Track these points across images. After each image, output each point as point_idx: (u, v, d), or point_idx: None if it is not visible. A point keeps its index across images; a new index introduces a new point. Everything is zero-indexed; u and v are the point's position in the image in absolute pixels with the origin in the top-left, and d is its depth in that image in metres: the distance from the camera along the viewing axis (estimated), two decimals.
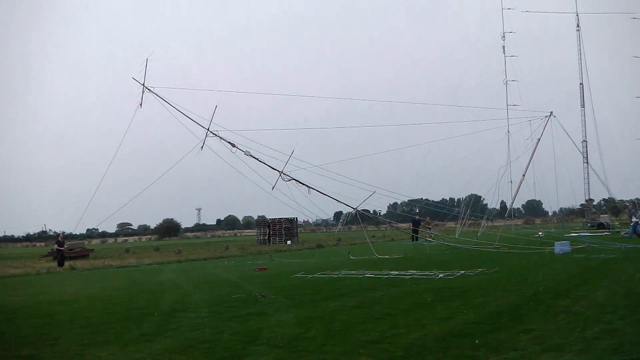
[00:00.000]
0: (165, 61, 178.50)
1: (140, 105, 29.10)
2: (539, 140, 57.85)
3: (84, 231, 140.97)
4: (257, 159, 29.41)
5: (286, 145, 29.44)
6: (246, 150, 29.23)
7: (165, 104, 28.93)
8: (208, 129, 28.92)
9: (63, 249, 42.14)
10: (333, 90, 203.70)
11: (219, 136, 29.15)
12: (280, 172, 29.29)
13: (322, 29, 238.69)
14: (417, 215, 58.96)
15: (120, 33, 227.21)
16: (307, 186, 29.64)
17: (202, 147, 29.13)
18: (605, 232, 53.18)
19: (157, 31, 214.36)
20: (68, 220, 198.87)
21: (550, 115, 58.83)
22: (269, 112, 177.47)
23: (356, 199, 31.88)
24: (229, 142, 29.31)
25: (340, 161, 32.95)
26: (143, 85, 28.70)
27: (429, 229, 51.06)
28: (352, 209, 32.94)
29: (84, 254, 52.22)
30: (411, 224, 53.69)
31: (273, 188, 29.23)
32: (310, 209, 30.65)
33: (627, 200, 66.68)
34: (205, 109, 29.39)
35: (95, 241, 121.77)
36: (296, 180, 29.52)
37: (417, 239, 49.52)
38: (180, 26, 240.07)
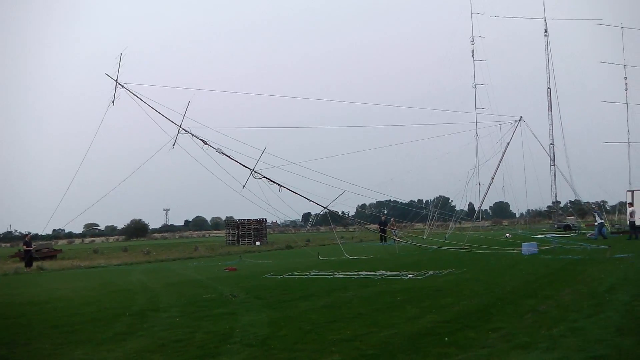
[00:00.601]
0: (143, 60, 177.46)
1: (113, 102, 28.69)
2: (508, 144, 58.54)
3: (50, 232, 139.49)
4: (229, 157, 29.22)
5: (260, 144, 29.27)
6: (218, 148, 29.02)
7: (138, 101, 28.54)
8: (180, 126, 28.70)
9: (31, 249, 41.75)
10: (309, 91, 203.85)
11: (190, 133, 28.93)
12: (252, 170, 29.19)
13: (301, 33, 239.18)
14: (384, 215, 59.17)
15: (96, 30, 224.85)
16: (278, 184, 29.60)
17: (173, 145, 28.91)
18: (572, 233, 53.86)
19: (134, 29, 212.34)
20: (32, 221, 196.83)
21: (520, 120, 59.53)
22: (246, 112, 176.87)
23: (326, 199, 31.92)
24: (200, 139, 29.12)
25: (311, 160, 32.67)
26: (116, 81, 28.29)
27: (394, 230, 51.22)
28: (323, 208, 32.89)
29: (51, 255, 51.81)
30: (378, 224, 53.86)
31: (244, 186, 29.11)
32: (280, 209, 30.26)
33: (593, 203, 67.51)
34: (182, 108, 29.11)
35: (62, 242, 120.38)
36: (267, 178, 29.46)
37: (385, 240, 49.74)
38: (161, 24, 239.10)
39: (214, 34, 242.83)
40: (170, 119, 28.87)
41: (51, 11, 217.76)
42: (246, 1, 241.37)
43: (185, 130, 28.82)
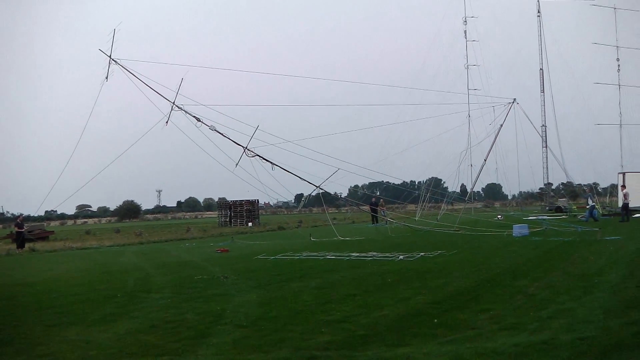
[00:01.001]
0: (137, 39, 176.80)
1: (107, 78, 28.45)
2: (501, 126, 58.51)
3: (42, 213, 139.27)
4: (222, 134, 29.13)
5: (254, 123, 29.13)
6: (211, 125, 28.91)
7: (131, 77, 28.35)
8: (174, 103, 28.54)
9: (23, 230, 41.68)
10: (304, 69, 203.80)
11: (184, 110, 28.79)
12: (245, 148, 29.10)
13: (296, 11, 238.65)
14: (375, 197, 59.21)
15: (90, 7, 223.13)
16: (271, 162, 29.56)
17: (167, 122, 28.76)
18: (563, 215, 54.05)
19: (128, 6, 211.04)
20: (24, 202, 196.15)
21: (513, 102, 59.53)
22: (240, 90, 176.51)
23: (320, 177, 31.90)
24: (194, 117, 28.98)
25: (303, 139, 32.75)
26: (109, 57, 28.08)
27: (382, 211, 51.28)
28: (315, 187, 32.84)
29: (44, 236, 51.73)
30: (369, 205, 53.87)
31: (237, 164, 29.05)
32: (273, 188, 30.20)
33: (584, 185, 67.76)
34: (176, 87, 28.87)
35: (54, 223, 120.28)
36: (260, 157, 29.40)
37: (377, 221, 49.82)
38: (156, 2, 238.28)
39: (207, 12, 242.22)
40: (164, 95, 28.70)
41: None
42: None
43: (178, 107, 28.70)
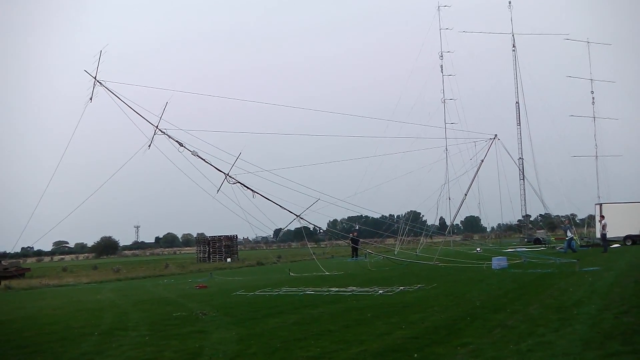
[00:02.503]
0: (124, 62, 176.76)
1: (90, 99, 28.12)
2: (482, 161, 59.03)
3: (18, 250, 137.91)
4: (204, 160, 28.94)
5: (236, 150, 28.98)
6: (193, 150, 28.72)
7: (115, 99, 28.03)
8: (157, 127, 28.34)
9: None
10: (283, 99, 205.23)
11: (167, 134, 28.60)
12: (226, 175, 28.94)
13: (275, 43, 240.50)
14: (354, 231, 59.24)
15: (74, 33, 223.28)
16: (252, 190, 29.38)
17: (149, 146, 28.52)
18: (542, 247, 54.30)
19: (114, 31, 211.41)
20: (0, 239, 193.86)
21: (494, 138, 60.05)
22: (223, 116, 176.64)
23: (299, 207, 31.74)
24: (177, 141, 28.79)
25: (282, 168, 32.49)
26: (94, 78, 27.76)
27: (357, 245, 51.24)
28: (295, 216, 32.58)
29: (19, 273, 51.24)
30: (350, 240, 53.80)
31: (218, 190, 28.85)
32: (254, 216, 29.83)
33: (562, 216, 68.21)
34: (160, 111, 28.66)
35: (30, 260, 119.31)
36: (241, 184, 29.24)
37: (357, 255, 49.72)
38: (144, 28, 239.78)
39: (195, 39, 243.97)
40: (147, 119, 28.43)
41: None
42: (227, 9, 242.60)
43: (161, 132, 28.48)
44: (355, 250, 50.98)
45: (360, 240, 53.15)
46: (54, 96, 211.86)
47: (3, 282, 40.17)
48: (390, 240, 63.60)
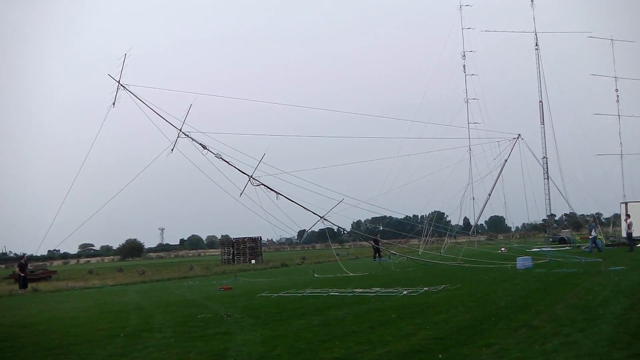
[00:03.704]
0: (146, 64, 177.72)
1: (113, 104, 28.16)
2: (505, 161, 58.77)
3: (45, 252, 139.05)
4: (227, 162, 28.91)
5: (260, 152, 28.95)
6: (217, 153, 28.66)
7: (139, 103, 28.01)
8: (180, 130, 28.37)
9: (23, 274, 41.25)
10: (306, 100, 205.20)
11: (190, 137, 28.61)
12: (250, 177, 28.94)
13: (297, 42, 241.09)
14: (377, 233, 59.03)
15: (95, 35, 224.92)
16: (275, 192, 29.35)
17: (172, 150, 28.57)
18: (567, 246, 53.91)
19: (136, 32, 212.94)
20: (27, 242, 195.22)
21: (518, 138, 59.76)
22: (247, 119, 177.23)
23: (323, 209, 31.68)
24: (200, 144, 28.82)
25: (306, 170, 32.46)
26: (118, 82, 27.76)
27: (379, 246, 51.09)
28: (319, 217, 32.49)
29: (46, 276, 51.68)
30: (372, 241, 53.68)
31: (242, 193, 28.85)
32: (278, 218, 29.70)
33: (587, 215, 67.75)
34: (183, 114, 28.69)
35: (57, 262, 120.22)
36: (265, 186, 29.22)
37: (380, 256, 49.63)
38: (165, 28, 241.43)
39: (215, 41, 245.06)
40: (171, 122, 28.48)
41: (50, 13, 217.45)
42: (250, 7, 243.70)
43: (185, 135, 28.51)
44: (377, 251, 50.93)
45: (380, 241, 53.01)
46: (78, 97, 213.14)
47: (30, 285, 40.45)
48: (414, 241, 63.47)
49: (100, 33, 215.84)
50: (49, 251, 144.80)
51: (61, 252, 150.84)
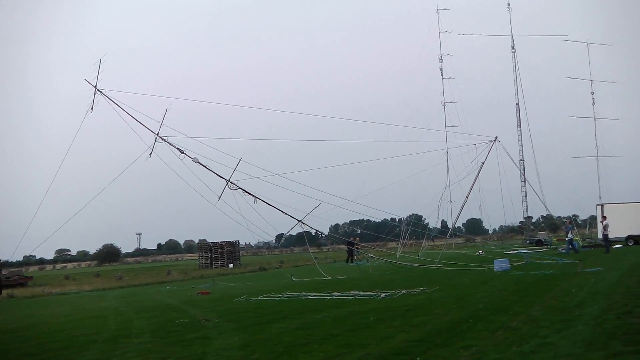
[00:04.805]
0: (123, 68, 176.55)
1: (91, 109, 27.97)
2: (483, 164, 58.99)
3: (20, 258, 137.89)
4: (205, 166, 28.77)
5: (238, 155, 28.73)
6: (194, 157, 28.55)
7: (116, 108, 27.82)
8: (157, 134, 28.17)
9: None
10: (281, 104, 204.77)
11: (167, 142, 28.40)
12: (227, 181, 28.79)
13: (270, 44, 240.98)
14: (351, 237, 59.01)
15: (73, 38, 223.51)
16: (253, 195, 29.20)
17: (150, 154, 28.34)
18: (544, 248, 54.29)
19: (114, 36, 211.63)
20: (1, 247, 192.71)
21: (495, 140, 60.09)
22: (226, 122, 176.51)
23: (301, 212, 31.60)
24: (177, 148, 28.62)
25: (284, 174, 32.31)
26: (95, 87, 27.58)
27: (357, 249, 51.11)
28: (297, 221, 32.37)
29: (22, 282, 51.28)
30: (346, 244, 53.56)
31: (220, 197, 28.70)
32: (255, 224, 29.48)
33: (564, 217, 68.30)
34: (168, 120, 28.46)
35: (33, 268, 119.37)
36: (242, 190, 29.09)
37: (352, 260, 49.57)
38: (144, 32, 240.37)
39: (193, 44, 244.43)
40: (148, 127, 28.23)
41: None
42: (231, 9, 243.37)
43: (162, 139, 28.29)
44: (351, 254, 50.83)
45: (355, 243, 53.03)
46: (54, 100, 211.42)
47: (6, 292, 40.12)
48: (392, 244, 63.59)
49: (88, 34, 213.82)
50: (24, 257, 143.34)
51: (37, 257, 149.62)
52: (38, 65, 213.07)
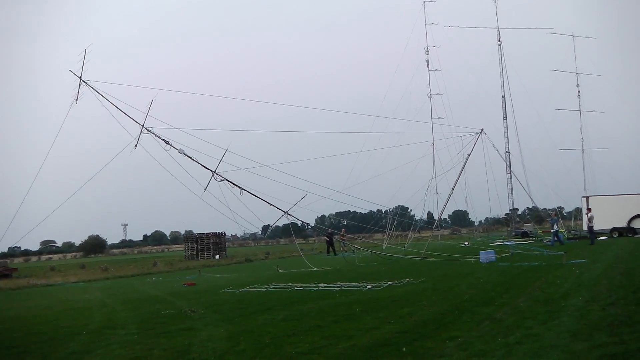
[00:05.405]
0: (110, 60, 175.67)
1: (76, 100, 27.74)
2: (469, 155, 59.30)
3: (5, 249, 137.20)
4: (190, 157, 28.62)
5: (225, 146, 28.57)
6: (180, 149, 28.39)
7: (101, 99, 27.58)
8: (142, 125, 27.98)
9: None
10: (269, 95, 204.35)
11: (153, 133, 28.21)
12: (213, 172, 28.66)
13: (255, 35, 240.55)
14: (330, 229, 58.97)
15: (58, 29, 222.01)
16: (239, 187, 29.10)
17: (136, 145, 28.15)
18: (529, 240, 54.51)
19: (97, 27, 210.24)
20: None
21: (480, 133, 60.33)
22: (212, 113, 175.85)
23: (288, 203, 31.53)
24: (163, 140, 28.44)
25: (271, 165, 32.20)
26: (80, 78, 27.34)
27: (344, 241, 51.10)
28: (283, 212, 32.30)
29: (6, 274, 50.97)
30: (326, 236, 53.45)
31: (205, 189, 28.57)
32: (242, 215, 29.38)
33: (549, 209, 68.56)
34: (154, 111, 28.23)
35: (17, 260, 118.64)
36: (228, 181, 28.96)
37: (334, 252, 49.47)
38: (129, 23, 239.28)
39: (180, 35, 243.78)
40: (134, 117, 28.03)
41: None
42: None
43: (147, 130, 28.10)
44: (331, 245, 50.70)
45: (343, 235, 52.99)
46: (39, 92, 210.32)
47: None
48: (378, 235, 63.68)
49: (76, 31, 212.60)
50: (9, 248, 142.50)
51: (22, 249, 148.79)
52: (22, 57, 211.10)
